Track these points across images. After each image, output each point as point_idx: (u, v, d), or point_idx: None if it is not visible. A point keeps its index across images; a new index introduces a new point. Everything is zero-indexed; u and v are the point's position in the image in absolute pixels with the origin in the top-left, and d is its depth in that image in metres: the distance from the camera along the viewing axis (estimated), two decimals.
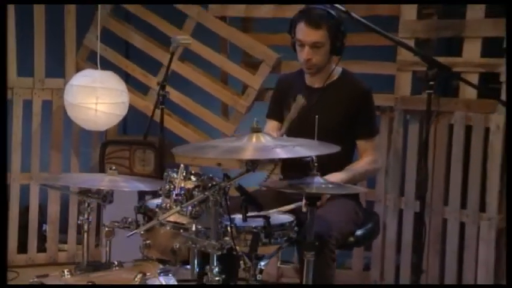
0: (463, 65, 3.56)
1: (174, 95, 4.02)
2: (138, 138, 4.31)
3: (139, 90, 4.30)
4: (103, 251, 3.79)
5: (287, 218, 2.30)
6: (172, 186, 2.23)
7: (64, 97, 4.01)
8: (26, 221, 4.21)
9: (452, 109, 3.66)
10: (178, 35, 4.18)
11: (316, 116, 2.43)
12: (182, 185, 2.23)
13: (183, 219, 2.21)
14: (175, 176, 2.25)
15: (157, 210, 2.29)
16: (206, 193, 2.00)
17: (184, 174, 2.23)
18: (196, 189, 2.13)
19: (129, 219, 2.56)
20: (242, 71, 4.14)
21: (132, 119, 4.28)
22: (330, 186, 2.23)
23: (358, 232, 2.76)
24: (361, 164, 2.84)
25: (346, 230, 2.63)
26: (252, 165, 2.01)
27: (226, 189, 2.03)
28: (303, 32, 2.77)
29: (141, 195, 3.66)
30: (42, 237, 4.28)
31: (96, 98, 3.83)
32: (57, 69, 4.30)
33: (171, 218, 2.18)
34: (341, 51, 2.82)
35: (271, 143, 2.10)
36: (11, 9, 4.18)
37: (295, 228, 2.26)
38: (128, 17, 4.43)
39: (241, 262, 2.17)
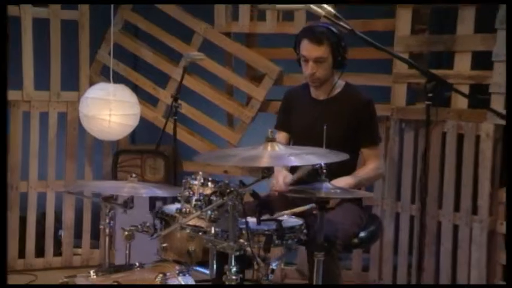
0: (454, 78, 3.74)
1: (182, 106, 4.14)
2: (147, 147, 4.38)
3: (148, 102, 4.44)
4: (118, 253, 3.92)
5: (296, 221, 2.44)
6: (191, 192, 2.35)
7: (79, 109, 4.15)
8: (43, 227, 4.31)
9: (445, 118, 3.83)
10: (186, 50, 4.37)
11: (325, 126, 2.55)
12: (201, 191, 2.34)
13: (201, 223, 2.32)
14: (194, 182, 2.36)
15: (177, 214, 2.40)
16: (225, 198, 2.12)
17: (202, 181, 2.35)
18: (214, 195, 2.24)
19: (147, 224, 2.68)
20: (246, 83, 4.27)
21: (140, 129, 4.40)
22: (338, 191, 2.35)
23: (362, 234, 2.89)
24: (366, 170, 2.99)
25: (351, 232, 2.77)
26: (268, 172, 2.14)
27: (242, 195, 2.14)
28: (307, 48, 2.91)
29: (152, 201, 3.77)
30: (58, 242, 4.40)
31: (110, 110, 3.93)
32: (72, 83, 4.41)
33: (191, 222, 2.29)
34: (343, 65, 2.98)
35: (285, 151, 2.22)
36: (28, 25, 4.19)
37: (304, 231, 2.38)
38: (138, 33, 4.57)
39: (255, 263, 2.27)
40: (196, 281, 2.55)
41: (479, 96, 3.66)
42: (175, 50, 4.43)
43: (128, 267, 2.64)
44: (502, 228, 3.66)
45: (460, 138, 3.71)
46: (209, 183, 2.37)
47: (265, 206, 2.37)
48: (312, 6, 2.34)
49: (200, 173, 2.41)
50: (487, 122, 3.63)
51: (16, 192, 4.30)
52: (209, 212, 2.18)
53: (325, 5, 2.35)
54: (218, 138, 4.40)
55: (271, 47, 4.42)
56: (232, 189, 2.12)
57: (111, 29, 4.29)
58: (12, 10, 4.18)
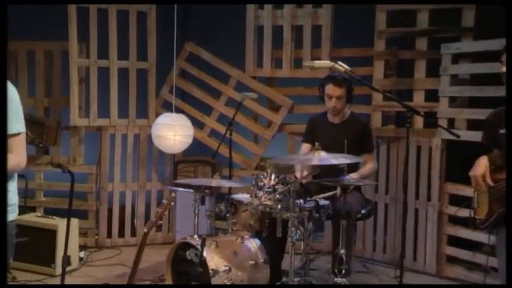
0: (413, 107, 4.43)
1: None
2: (198, 158, 5.22)
3: (196, 126, 5.14)
4: (177, 234, 4.60)
5: (325, 202, 3.26)
6: (262, 183, 3.15)
7: (152, 131, 4.96)
8: (123, 216, 5.16)
9: (410, 135, 4.45)
10: (224, 90, 5.16)
11: (346, 141, 3.34)
12: (270, 183, 3.15)
13: (270, 202, 3.12)
14: (263, 177, 3.16)
15: (251, 198, 3.18)
16: (289, 185, 2.93)
17: (269, 176, 3.16)
18: (278, 185, 3.06)
19: (221, 207, 3.38)
20: (268, 111, 5.18)
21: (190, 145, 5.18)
22: (353, 180, 3.21)
23: (363, 211, 3.84)
24: (366, 168, 3.92)
25: (359, 209, 3.69)
26: (316, 169, 2.99)
27: (298, 184, 2.97)
28: (331, 89, 3.75)
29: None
30: (133, 227, 5.23)
31: (174, 132, 4.79)
32: (143, 113, 5.22)
33: (265, 202, 3.11)
34: (352, 100, 3.88)
35: (326, 156, 3.06)
36: (114, 74, 4.95)
37: (331, 208, 3.21)
38: (188, 76, 5.40)
39: (298, 231, 3.03)
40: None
41: (430, 119, 4.35)
42: (216, 89, 5.24)
43: (216, 233, 3.37)
44: (447, 209, 4.47)
45: (419, 149, 4.56)
46: (272, 177, 3.18)
47: (307, 192, 3.19)
48: (335, 65, 3.15)
49: (269, 170, 3.21)
50: (436, 137, 4.51)
51: (105, 192, 5.11)
52: (277, 195, 3.01)
53: (342, 63, 3.16)
54: (247, 151, 5.20)
55: (286, 86, 5.24)
56: (292, 181, 2.96)
57: (174, 75, 5.02)
58: (102, 63, 4.92)
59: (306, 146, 3.91)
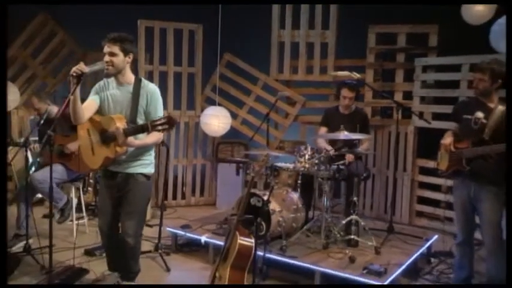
0: (402, 103, 5.84)
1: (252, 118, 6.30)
2: (233, 140, 6.59)
3: (231, 116, 6.48)
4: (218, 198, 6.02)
5: (342, 167, 4.73)
6: (302, 153, 4.61)
7: (201, 119, 6.33)
8: (176, 184, 6.55)
9: (390, 124, 6.11)
10: (253, 89, 6.54)
11: (358, 125, 4.74)
12: (307, 152, 4.63)
13: (307, 166, 4.60)
14: (303, 148, 4.65)
15: (295, 164, 4.64)
16: (321, 155, 4.47)
17: (307, 148, 4.65)
18: (314, 154, 4.56)
19: (262, 173, 4.83)
20: (286, 106, 6.62)
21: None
22: (363, 151, 4.74)
23: (365, 174, 5.23)
24: (365, 146, 5.27)
25: (363, 172, 5.10)
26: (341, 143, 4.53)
27: (327, 155, 4.49)
28: (346, 92, 5.07)
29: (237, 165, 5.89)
30: (183, 192, 6.66)
31: (218, 120, 6.18)
32: (191, 106, 6.57)
33: (305, 165, 4.59)
34: (358, 98, 5.26)
35: (347, 133, 4.47)
36: (171, 77, 6.32)
37: (346, 171, 4.74)
38: (226, 79, 6.74)
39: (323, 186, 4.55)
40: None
41: (406, 113, 5.76)
42: (247, 88, 6.65)
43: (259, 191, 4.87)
44: (417, 178, 5.98)
45: (398, 134, 5.76)
46: (308, 148, 4.66)
47: (332, 159, 4.68)
48: (351, 74, 4.70)
49: (308, 144, 4.70)
50: (411, 126, 6.00)
51: (162, 166, 6.36)
52: (315, 161, 4.50)
53: (355, 73, 4.68)
54: (270, 135, 6.39)
55: (300, 87, 6.63)
56: (325, 152, 4.47)
57: (217, 77, 6.39)
58: (162, 68, 6.25)
59: (323, 129, 5.21)
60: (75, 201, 5.06)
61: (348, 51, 6.38)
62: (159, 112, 3.52)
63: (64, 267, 4.16)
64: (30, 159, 6.20)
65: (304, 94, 6.51)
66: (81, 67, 3.21)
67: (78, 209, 5.35)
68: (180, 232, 4.82)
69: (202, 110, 6.45)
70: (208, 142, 6.72)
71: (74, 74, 3.20)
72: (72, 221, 5.00)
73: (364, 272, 3.86)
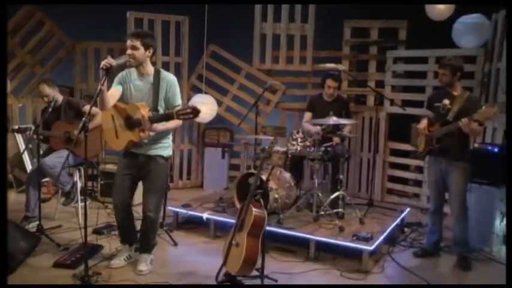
0: (368, 92, 6.56)
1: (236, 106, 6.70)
2: (218, 126, 6.96)
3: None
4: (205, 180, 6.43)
5: (329, 149, 5.25)
6: (295, 137, 5.11)
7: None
8: (181, 166, 6.91)
9: (364, 110, 6.66)
10: (237, 78, 6.91)
11: (343, 112, 5.28)
12: (299, 135, 5.13)
13: (299, 148, 5.09)
14: (294, 132, 5.13)
15: (287, 146, 5.14)
16: (313, 137, 5.00)
17: (298, 133, 5.14)
18: (304, 138, 5.07)
19: (256, 159, 5.32)
20: (268, 93, 6.99)
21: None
22: (348, 134, 5.28)
23: (347, 155, 5.74)
24: (347, 129, 5.75)
25: (345, 153, 5.58)
26: (329, 127, 5.06)
27: (318, 138, 5.01)
28: (330, 82, 5.58)
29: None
30: (171, 176, 6.95)
31: (206, 107, 6.52)
32: None
33: (296, 148, 5.09)
34: (340, 88, 5.75)
35: (335, 118, 5.03)
36: (159, 65, 6.55)
37: (332, 152, 5.27)
38: (211, 68, 7.08)
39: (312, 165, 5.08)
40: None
41: (378, 101, 6.33)
42: (231, 77, 7.02)
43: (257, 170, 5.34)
44: (388, 158, 6.57)
45: (370, 119, 6.61)
46: (300, 133, 5.15)
47: (321, 142, 5.19)
48: (338, 66, 5.18)
49: (300, 129, 5.18)
50: (383, 112, 6.56)
51: None
52: (307, 143, 5.03)
53: (341, 65, 5.17)
54: (252, 121, 6.74)
55: (281, 76, 7.04)
56: (316, 136, 4.98)
57: (203, 66, 6.78)
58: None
59: (308, 114, 5.68)
60: (79, 184, 5.40)
61: (325, 43, 6.81)
62: (177, 98, 3.90)
63: (80, 244, 4.51)
64: (22, 146, 6.47)
65: (284, 82, 6.92)
66: (110, 61, 3.57)
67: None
68: (182, 210, 5.23)
69: (188, 98, 6.79)
70: (194, 128, 7.10)
71: (104, 67, 3.57)
72: (77, 202, 5.35)
73: (354, 238, 4.40)
